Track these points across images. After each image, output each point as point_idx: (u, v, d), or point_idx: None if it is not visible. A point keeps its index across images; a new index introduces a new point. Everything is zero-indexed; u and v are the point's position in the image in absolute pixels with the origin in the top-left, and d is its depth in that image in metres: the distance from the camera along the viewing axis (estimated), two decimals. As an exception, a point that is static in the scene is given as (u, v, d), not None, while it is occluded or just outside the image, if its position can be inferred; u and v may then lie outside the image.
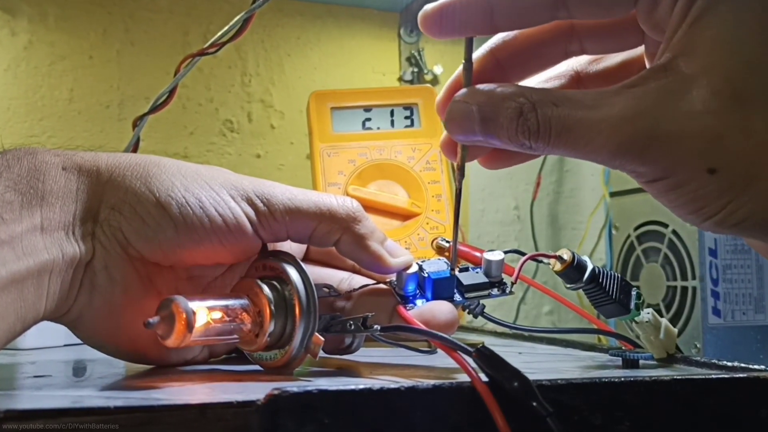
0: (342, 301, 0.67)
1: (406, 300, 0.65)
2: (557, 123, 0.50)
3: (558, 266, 0.68)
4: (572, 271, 0.68)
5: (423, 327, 0.59)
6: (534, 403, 0.48)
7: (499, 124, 0.52)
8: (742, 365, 0.63)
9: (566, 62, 0.62)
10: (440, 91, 0.60)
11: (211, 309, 0.58)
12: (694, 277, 1.14)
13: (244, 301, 0.60)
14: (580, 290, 0.69)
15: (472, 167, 0.61)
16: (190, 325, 0.57)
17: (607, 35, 0.59)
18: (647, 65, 0.58)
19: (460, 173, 0.60)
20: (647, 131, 0.49)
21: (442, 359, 0.69)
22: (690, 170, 0.49)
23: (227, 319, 0.59)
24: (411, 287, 0.65)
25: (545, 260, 0.69)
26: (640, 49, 0.59)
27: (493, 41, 0.59)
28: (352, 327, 0.61)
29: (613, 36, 0.58)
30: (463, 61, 0.57)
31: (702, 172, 0.48)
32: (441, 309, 0.63)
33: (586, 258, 0.68)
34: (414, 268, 0.65)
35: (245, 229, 0.61)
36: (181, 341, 0.57)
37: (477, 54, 0.59)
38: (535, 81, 0.62)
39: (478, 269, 0.68)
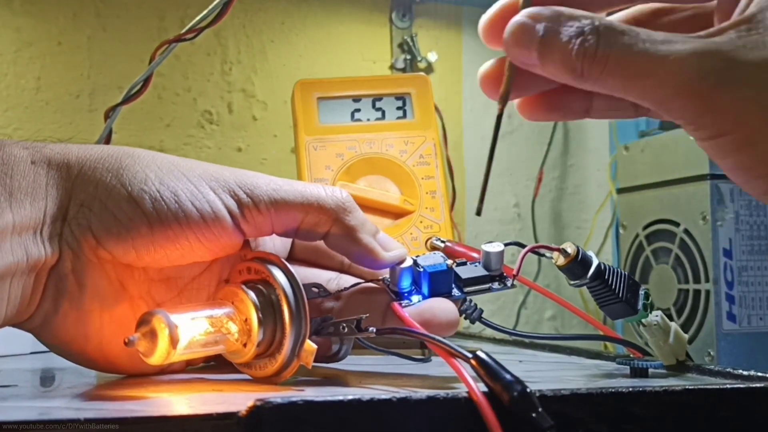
0: (331, 302, 0.67)
1: (401, 297, 0.65)
2: (619, 49, 0.49)
3: (561, 260, 0.68)
4: (576, 266, 0.68)
5: (419, 327, 0.59)
6: (534, 415, 0.48)
7: (557, 43, 0.51)
8: (759, 374, 0.63)
9: (627, 12, 0.61)
10: (489, 9, 0.58)
11: (194, 320, 0.58)
12: (707, 280, 1.14)
13: (228, 309, 0.60)
14: (584, 288, 0.68)
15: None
16: (174, 341, 0.56)
17: None
18: (716, 23, 0.57)
19: (502, 100, 0.58)
20: (720, 71, 0.48)
21: (436, 367, 0.69)
22: (765, 125, 0.48)
23: (212, 330, 0.59)
24: (406, 283, 0.65)
25: (548, 254, 0.69)
26: (711, 5, 0.58)
27: None
28: (345, 330, 0.61)
29: None
30: None
31: None
32: (442, 308, 0.63)
33: (591, 253, 0.68)
34: (408, 262, 0.65)
35: (225, 223, 0.61)
36: (166, 358, 0.57)
37: None
38: None
39: (477, 264, 0.67)
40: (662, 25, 0.60)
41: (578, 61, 0.50)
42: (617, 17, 0.61)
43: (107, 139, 0.85)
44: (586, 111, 0.60)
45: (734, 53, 0.48)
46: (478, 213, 0.63)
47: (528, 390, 0.49)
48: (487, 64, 0.59)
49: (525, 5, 0.55)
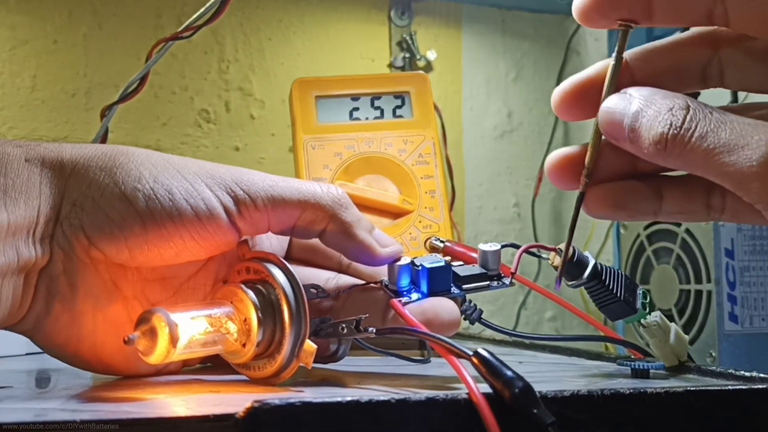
0: (329, 302, 0.67)
1: (400, 295, 0.65)
2: (705, 125, 0.50)
3: (557, 261, 0.68)
4: (572, 266, 0.67)
5: (419, 324, 0.59)
6: (535, 411, 0.48)
7: (647, 115, 0.52)
8: (761, 375, 0.63)
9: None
10: (566, 81, 0.59)
11: (194, 319, 0.58)
12: (709, 280, 1.14)
13: (228, 309, 0.60)
14: (582, 288, 0.69)
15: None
16: (174, 339, 0.56)
17: (751, 65, 0.57)
18: None
19: (588, 176, 0.59)
20: None
21: (436, 368, 0.69)
22: None
23: (212, 329, 0.59)
24: (405, 280, 0.65)
25: (543, 254, 0.69)
26: None
27: (631, 51, 0.59)
28: (345, 331, 0.61)
29: (758, 66, 0.57)
30: (614, 54, 0.57)
31: None
32: (444, 307, 0.63)
33: (587, 253, 0.68)
34: (406, 260, 0.65)
35: (220, 220, 0.61)
36: (165, 357, 0.57)
37: (612, 61, 0.58)
38: None
39: (475, 266, 0.68)
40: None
41: (663, 136, 0.51)
42: None
43: (103, 138, 0.85)
44: (655, 213, 0.60)
45: None
46: (558, 285, 0.65)
47: (530, 386, 0.49)
48: (556, 155, 0.60)
49: (613, 77, 0.57)
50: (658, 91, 0.53)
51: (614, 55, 0.57)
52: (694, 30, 0.59)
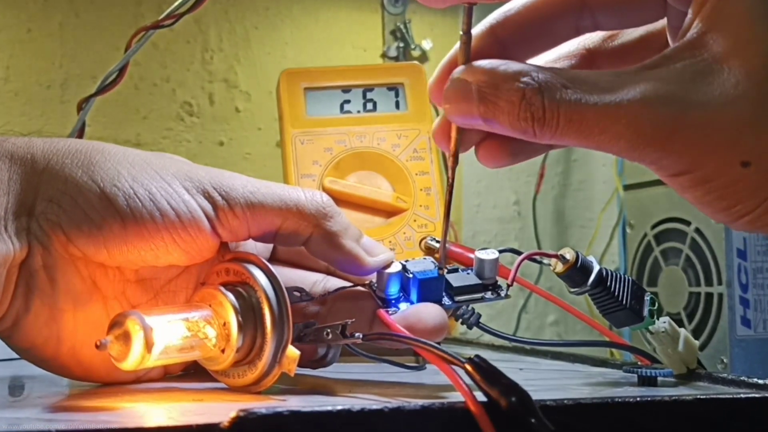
0: (315, 306, 0.67)
1: (388, 304, 0.65)
2: (566, 108, 0.50)
3: (559, 267, 0.68)
4: (576, 272, 0.67)
5: (408, 334, 0.59)
6: (533, 420, 0.48)
7: (500, 108, 0.52)
8: (775, 383, 0.63)
9: (577, 40, 0.62)
10: (434, 72, 0.60)
11: (171, 323, 0.58)
12: (720, 282, 1.14)
13: (206, 312, 0.60)
14: (586, 295, 0.68)
15: (467, 155, 0.61)
16: (149, 345, 0.56)
17: (622, 7, 0.58)
18: (670, 41, 0.58)
19: (453, 160, 0.60)
20: (671, 119, 0.49)
21: (431, 376, 0.69)
22: (720, 163, 0.49)
23: (189, 334, 0.58)
24: (393, 289, 0.65)
25: (545, 260, 0.69)
26: (662, 23, 0.59)
27: (492, 17, 0.59)
28: (329, 336, 0.61)
29: (629, 7, 0.58)
30: (461, 33, 0.57)
31: (734, 166, 0.49)
32: (428, 312, 0.63)
33: (591, 258, 0.68)
34: (396, 268, 0.65)
35: (202, 225, 0.61)
36: (140, 363, 0.57)
37: (475, 32, 0.58)
38: (542, 61, 0.61)
39: (470, 271, 0.67)
40: (614, 50, 0.61)
41: (528, 125, 0.52)
42: (564, 50, 0.62)
43: (80, 133, 0.85)
44: (550, 145, 0.61)
45: (683, 94, 0.49)
46: (441, 269, 0.64)
47: (527, 395, 0.49)
48: (437, 121, 0.61)
49: (464, 56, 0.57)
50: (496, 71, 0.53)
51: (461, 34, 0.57)
52: None
